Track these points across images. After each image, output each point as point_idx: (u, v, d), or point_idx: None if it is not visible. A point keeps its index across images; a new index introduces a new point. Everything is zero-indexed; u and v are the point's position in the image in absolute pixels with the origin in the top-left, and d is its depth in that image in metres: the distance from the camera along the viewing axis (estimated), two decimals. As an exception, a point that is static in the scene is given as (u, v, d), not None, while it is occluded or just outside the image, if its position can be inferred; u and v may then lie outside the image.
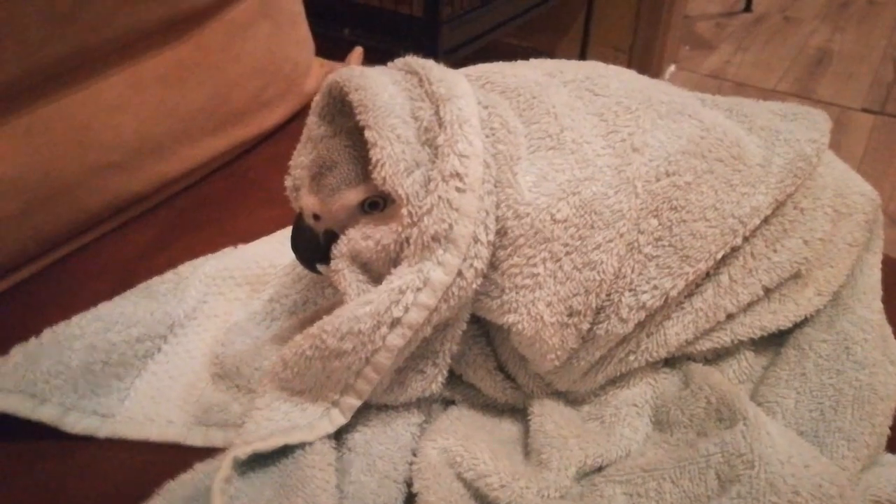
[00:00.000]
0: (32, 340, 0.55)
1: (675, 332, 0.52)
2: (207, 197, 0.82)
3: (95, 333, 0.56)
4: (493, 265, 0.47)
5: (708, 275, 0.52)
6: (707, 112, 0.55)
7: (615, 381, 0.55)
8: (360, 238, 0.47)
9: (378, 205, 0.48)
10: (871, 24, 2.82)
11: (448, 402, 0.55)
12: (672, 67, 2.38)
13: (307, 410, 0.48)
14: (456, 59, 1.49)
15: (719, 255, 0.50)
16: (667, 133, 0.51)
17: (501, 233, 0.46)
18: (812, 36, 2.69)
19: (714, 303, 0.52)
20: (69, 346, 0.55)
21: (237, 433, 0.52)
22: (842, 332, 0.53)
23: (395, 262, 0.46)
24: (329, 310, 0.59)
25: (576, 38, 2.16)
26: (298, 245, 0.52)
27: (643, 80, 0.57)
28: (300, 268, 0.68)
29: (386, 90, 0.47)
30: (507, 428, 0.54)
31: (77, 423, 0.53)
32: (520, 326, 0.47)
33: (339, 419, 0.48)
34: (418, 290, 0.44)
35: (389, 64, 0.52)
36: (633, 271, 0.48)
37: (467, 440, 0.49)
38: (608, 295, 0.49)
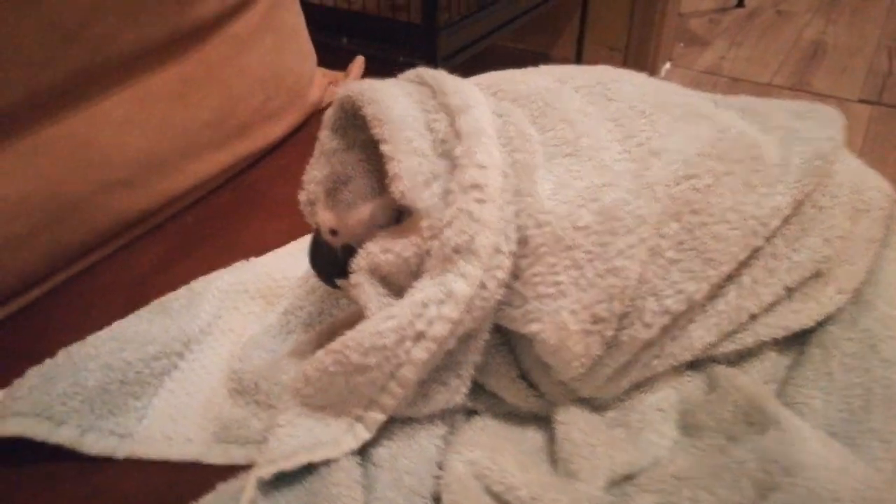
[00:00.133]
0: (47, 362, 0.55)
1: (699, 336, 0.52)
2: (215, 211, 0.81)
3: (111, 353, 0.56)
4: (515, 275, 0.46)
5: (730, 277, 0.51)
6: (721, 113, 0.55)
7: (639, 386, 0.54)
8: (380, 251, 0.47)
9: (394, 218, 0.48)
10: (864, 15, 2.83)
11: (470, 412, 0.55)
12: (667, 65, 2.38)
13: (330, 426, 0.48)
14: (454, 64, 1.49)
15: (741, 257, 0.50)
16: (683, 136, 0.51)
17: (522, 242, 0.45)
18: (805, 29, 2.70)
19: (737, 304, 0.52)
20: (84, 366, 0.54)
21: (258, 450, 0.52)
22: (866, 329, 0.53)
23: (416, 274, 0.46)
24: (346, 322, 0.60)
25: (571, 38, 2.16)
26: (317, 261, 0.51)
27: (654, 84, 0.56)
28: (314, 279, 0.67)
29: (399, 103, 0.47)
30: (532, 437, 0.53)
31: (95, 444, 0.53)
32: (544, 335, 0.47)
33: (364, 434, 0.47)
34: (441, 302, 0.43)
35: (400, 76, 0.52)
36: (656, 276, 0.48)
37: (494, 452, 0.48)
38: (632, 301, 0.48)
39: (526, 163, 0.46)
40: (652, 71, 2.12)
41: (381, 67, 1.17)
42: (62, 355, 0.55)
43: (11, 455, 0.52)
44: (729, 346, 0.54)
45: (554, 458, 0.51)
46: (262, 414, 0.55)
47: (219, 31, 0.81)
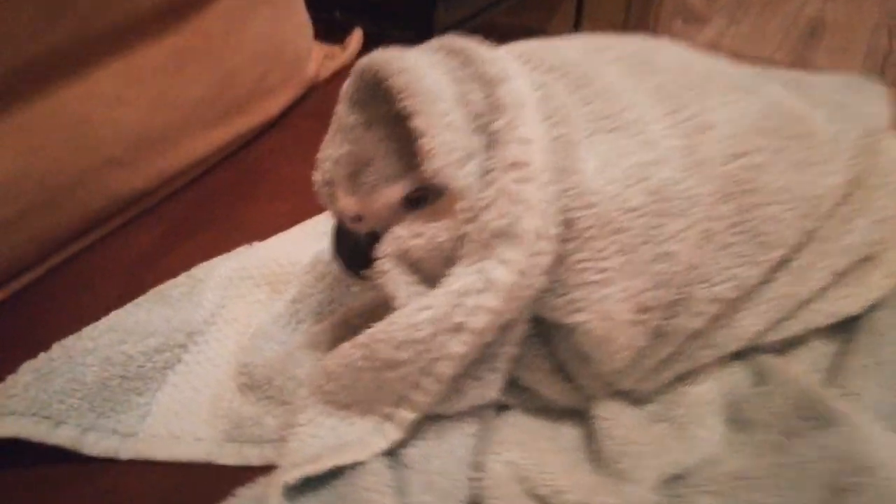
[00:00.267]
0: (42, 356, 0.50)
1: (748, 324, 0.49)
2: (213, 191, 0.77)
3: (110, 346, 0.52)
4: (558, 260, 0.42)
5: (780, 261, 0.48)
6: (767, 86, 0.51)
7: (682, 378, 0.51)
8: (409, 236, 0.43)
9: (422, 199, 0.44)
10: (861, -7, 2.80)
11: (500, 407, 0.51)
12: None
13: (356, 425, 0.44)
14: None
15: (794, 240, 0.46)
16: (733, 111, 0.47)
17: (567, 225, 0.42)
18: (804, 7, 2.66)
19: (786, 291, 0.49)
20: (82, 360, 0.50)
21: (275, 450, 0.49)
22: (918, 315, 0.50)
23: (450, 260, 0.42)
24: (360, 310, 0.57)
25: (568, 14, 2.11)
26: (341, 251, 0.47)
27: (695, 54, 0.53)
28: (322, 265, 0.64)
29: (429, 73, 0.42)
30: (568, 433, 0.50)
31: (97, 444, 0.49)
32: (588, 326, 0.43)
33: (394, 434, 0.44)
34: (481, 291, 0.40)
35: (423, 45, 0.47)
36: (706, 261, 0.45)
37: (533, 451, 0.45)
38: (681, 288, 0.45)
39: (569, 138, 0.42)
40: (649, 48, 2.08)
41: (377, 41, 1.14)
42: (57, 349, 0.50)
43: (5, 457, 0.47)
44: (775, 335, 0.51)
45: (595, 455, 0.47)
46: (276, 410, 0.51)
47: (214, 2, 0.77)
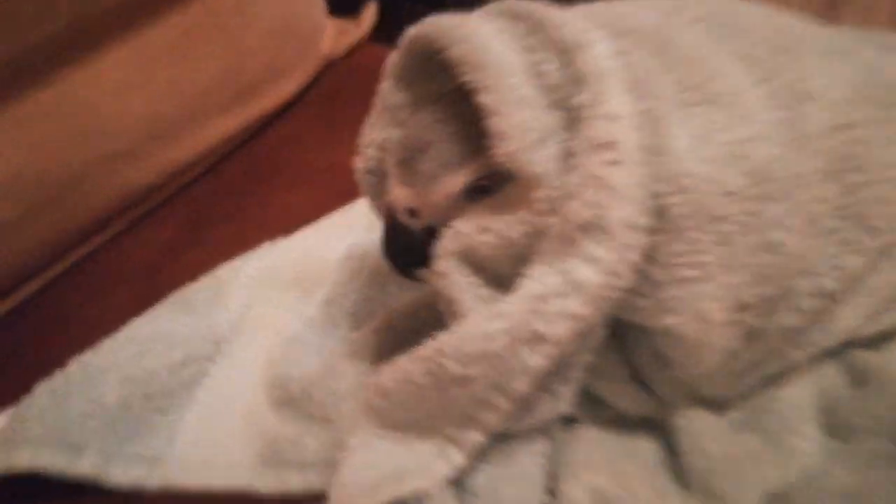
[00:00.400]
0: (58, 376, 0.46)
1: (847, 318, 0.43)
2: (228, 183, 0.72)
3: (130, 361, 0.48)
4: (645, 255, 0.37)
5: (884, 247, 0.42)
6: (864, 51, 0.45)
7: (770, 380, 0.46)
8: (475, 231, 0.37)
9: (487, 188, 0.38)
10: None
11: (566, 419, 0.46)
12: None
13: (416, 450, 0.39)
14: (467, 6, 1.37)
15: (902, 224, 0.41)
16: (830, 76, 0.41)
17: (658, 214, 0.36)
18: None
19: (888, 280, 0.43)
20: (102, 379, 0.46)
21: (320, 475, 0.44)
22: None
23: (524, 259, 0.36)
24: (405, 312, 0.51)
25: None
26: (394, 250, 0.41)
27: (779, 13, 0.46)
28: (355, 261, 0.59)
29: (494, 42, 0.37)
30: (646, 447, 0.45)
31: (123, 473, 0.44)
32: (680, 329, 0.38)
33: (459, 459, 0.38)
34: (564, 295, 0.34)
35: (481, 10, 0.41)
36: (811, 250, 0.39)
37: (617, 474, 0.40)
38: (782, 281, 0.39)
39: (657, 112, 0.36)
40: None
41: (390, 15, 1.08)
42: (74, 367, 0.46)
43: (19, 487, 0.42)
44: (871, 328, 0.45)
45: (682, 474, 0.42)
46: (318, 430, 0.46)
47: (222, -26, 0.71)
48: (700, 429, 0.43)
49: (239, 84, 0.74)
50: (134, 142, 0.63)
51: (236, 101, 0.73)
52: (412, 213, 0.39)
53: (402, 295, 0.56)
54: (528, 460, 0.41)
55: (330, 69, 0.90)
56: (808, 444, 0.43)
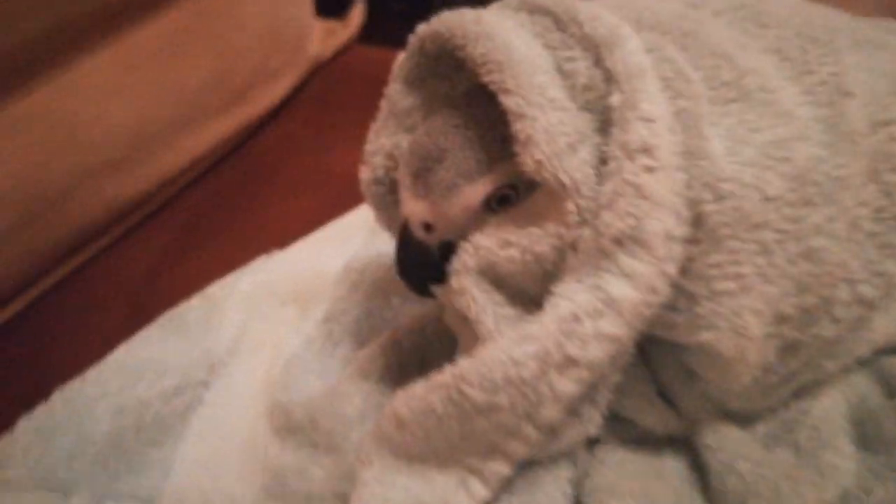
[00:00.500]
0: (41, 410, 0.43)
1: (883, 325, 0.41)
2: (219, 192, 0.69)
3: (120, 390, 0.45)
4: (682, 268, 0.34)
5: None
6: (893, 39, 0.43)
7: (799, 392, 0.43)
8: (497, 246, 0.34)
9: (509, 198, 0.35)
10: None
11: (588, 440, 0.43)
12: None
13: (435, 482, 0.36)
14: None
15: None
16: (868, 70, 0.39)
17: (696, 222, 0.33)
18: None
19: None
20: (90, 412, 0.43)
21: (329, 510, 0.40)
22: None
23: (550, 275, 0.34)
24: (411, 328, 0.48)
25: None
26: (409, 267, 0.38)
27: (806, 3, 0.44)
28: (355, 274, 0.56)
29: (516, 38, 0.34)
30: (672, 466, 0.42)
31: (114, 516, 0.40)
32: (718, 345, 0.35)
33: (482, 491, 0.35)
34: (599, 314, 0.31)
35: (497, 5, 0.39)
36: (851, 256, 0.37)
37: (646, 498, 0.37)
38: (822, 290, 0.37)
39: (692, 112, 0.34)
40: None
41: (377, 16, 1.05)
42: (59, 399, 0.43)
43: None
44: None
45: (716, 496, 0.39)
46: (324, 459, 0.43)
47: (209, -25, 0.69)
48: (730, 447, 0.40)
49: (227, 88, 0.71)
50: (119, 152, 0.60)
51: (225, 105, 0.71)
52: (428, 227, 0.36)
53: (406, 309, 0.53)
54: (553, 488, 0.38)
55: (319, 71, 0.88)
56: (845, 461, 0.40)
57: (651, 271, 0.31)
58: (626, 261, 0.31)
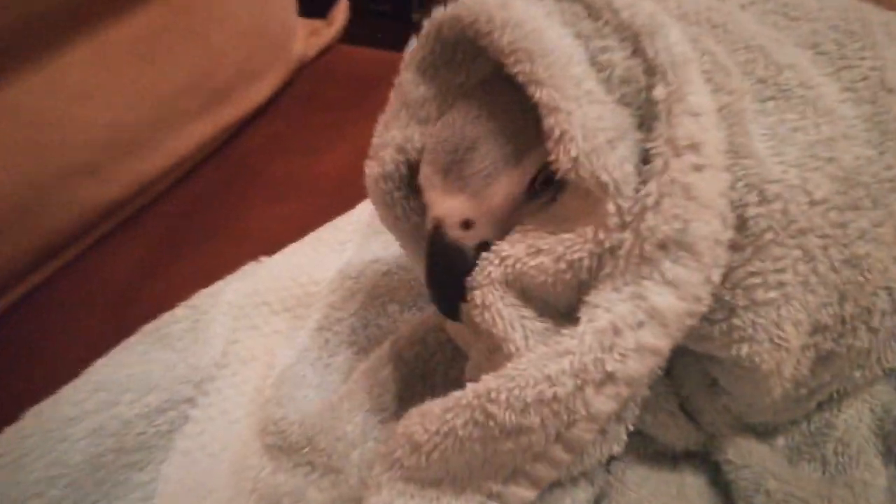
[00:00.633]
0: (10, 432, 0.40)
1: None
2: (201, 196, 0.66)
3: (99, 410, 0.42)
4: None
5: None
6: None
7: (822, 403, 0.41)
8: (526, 254, 0.31)
9: (552, 180, 0.32)
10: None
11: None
12: None
13: (453, 509, 0.33)
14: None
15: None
16: (904, 64, 0.37)
17: (739, 227, 0.31)
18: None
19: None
20: (65, 434, 0.40)
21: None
22: None
23: (584, 285, 0.31)
24: (413, 338, 0.46)
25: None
26: (442, 275, 0.34)
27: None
28: (350, 281, 0.54)
29: (547, 26, 0.31)
30: (693, 483, 0.40)
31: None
32: (757, 359, 0.33)
33: (503, 518, 0.32)
34: (639, 326, 0.29)
35: None
36: (893, 263, 0.35)
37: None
38: (862, 299, 0.35)
39: (734, 108, 0.32)
40: None
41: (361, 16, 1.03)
42: (31, 421, 0.40)
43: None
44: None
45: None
46: (322, 481, 0.40)
47: (190, -32, 0.66)
48: (755, 463, 0.39)
49: (209, 88, 0.68)
50: (94, 154, 0.57)
51: (207, 106, 0.68)
52: (467, 224, 0.33)
53: (406, 317, 0.51)
54: (574, 511, 0.35)
55: (303, 71, 0.85)
56: (877, 477, 0.39)
57: (696, 279, 0.29)
58: (670, 267, 0.29)
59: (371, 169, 0.37)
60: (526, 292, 0.32)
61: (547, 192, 0.32)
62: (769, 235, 0.31)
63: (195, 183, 0.66)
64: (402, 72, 0.36)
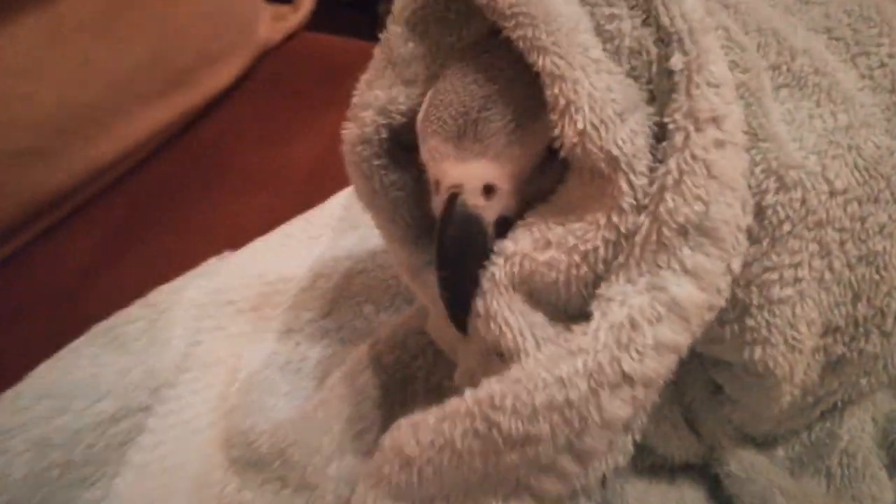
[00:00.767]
0: None
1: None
2: (160, 184, 0.63)
3: (45, 418, 0.40)
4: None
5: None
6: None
7: (825, 412, 0.40)
8: (533, 248, 0.29)
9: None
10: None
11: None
12: None
13: (444, 530, 0.30)
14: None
15: None
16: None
17: (757, 215, 0.29)
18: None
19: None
20: (4, 447, 0.38)
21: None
22: None
23: (599, 281, 0.28)
24: (391, 341, 0.43)
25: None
26: (463, 258, 0.31)
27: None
28: (321, 279, 0.52)
29: None
30: (692, 497, 0.39)
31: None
32: (771, 363, 0.31)
33: (500, 540, 0.30)
34: (657, 320, 0.27)
35: None
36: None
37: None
38: (876, 300, 0.33)
39: (751, 86, 0.30)
40: None
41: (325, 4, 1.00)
42: None
43: None
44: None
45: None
46: (296, 499, 0.38)
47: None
48: (758, 477, 0.37)
49: (169, 69, 0.66)
50: (42, 138, 0.55)
51: (166, 88, 0.65)
52: (489, 191, 0.30)
53: (382, 318, 0.49)
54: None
55: (266, 57, 0.82)
56: (884, 491, 0.38)
57: (718, 268, 0.27)
58: (689, 255, 0.27)
59: (349, 131, 0.34)
60: (535, 295, 0.29)
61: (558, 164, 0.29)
62: (787, 227, 0.29)
63: (153, 171, 0.63)
64: (390, 25, 0.33)
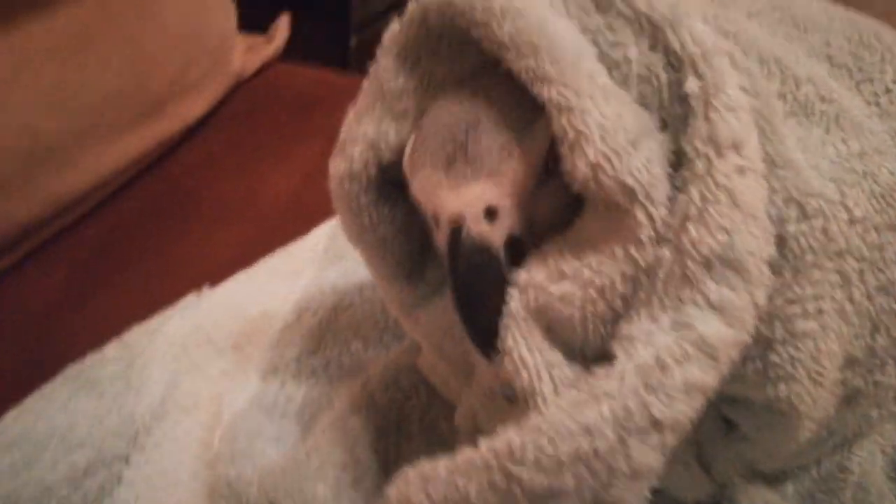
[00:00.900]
0: None
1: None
2: (131, 218, 0.61)
3: (12, 473, 0.38)
4: (757, 304, 0.28)
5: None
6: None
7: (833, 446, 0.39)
8: (548, 280, 0.27)
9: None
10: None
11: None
12: None
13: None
14: (372, 33, 1.28)
15: None
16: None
17: (778, 245, 0.28)
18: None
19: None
20: None
21: None
22: None
23: (618, 320, 0.27)
24: (384, 379, 0.41)
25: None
26: (482, 291, 0.29)
27: (835, 6, 0.41)
28: (307, 315, 0.50)
29: (551, 17, 0.28)
30: None
31: None
32: (795, 400, 0.30)
33: None
34: (685, 360, 0.25)
35: None
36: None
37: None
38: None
39: (764, 113, 0.29)
40: None
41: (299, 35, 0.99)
42: None
43: None
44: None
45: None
46: None
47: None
48: None
49: (140, 99, 0.64)
50: (8, 164, 0.53)
51: (138, 118, 0.64)
52: (490, 214, 0.28)
53: (371, 355, 0.47)
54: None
55: (240, 88, 0.81)
56: None
57: (744, 302, 0.25)
58: (714, 289, 0.25)
59: (336, 166, 0.33)
60: (553, 331, 0.28)
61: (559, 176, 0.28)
62: (809, 257, 0.28)
63: (124, 203, 0.61)
64: (380, 58, 0.32)
